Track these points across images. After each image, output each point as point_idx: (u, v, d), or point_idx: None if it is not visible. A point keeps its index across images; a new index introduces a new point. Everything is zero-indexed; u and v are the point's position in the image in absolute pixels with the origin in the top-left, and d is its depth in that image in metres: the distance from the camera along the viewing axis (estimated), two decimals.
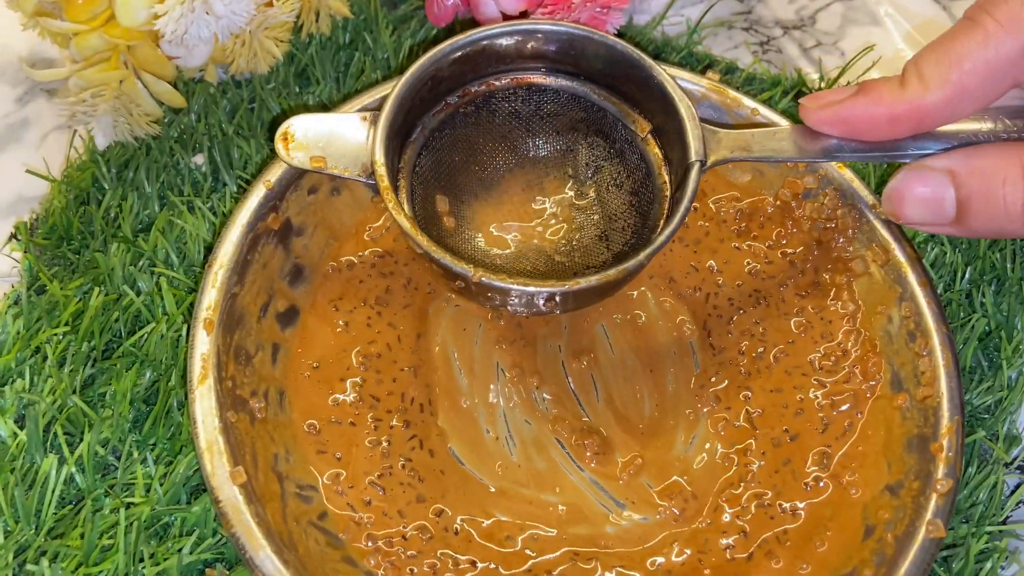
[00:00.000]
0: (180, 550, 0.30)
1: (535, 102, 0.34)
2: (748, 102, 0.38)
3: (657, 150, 0.33)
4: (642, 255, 0.30)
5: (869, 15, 0.50)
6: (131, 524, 0.31)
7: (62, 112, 0.38)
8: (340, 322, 0.35)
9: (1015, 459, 0.36)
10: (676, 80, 0.32)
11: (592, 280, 0.29)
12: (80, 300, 0.35)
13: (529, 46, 0.33)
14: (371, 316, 0.35)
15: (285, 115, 0.41)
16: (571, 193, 0.35)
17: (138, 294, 0.35)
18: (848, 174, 0.36)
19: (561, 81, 0.34)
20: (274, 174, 0.34)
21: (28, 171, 0.38)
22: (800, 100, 0.30)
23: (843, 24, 0.50)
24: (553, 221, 0.35)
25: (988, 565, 0.33)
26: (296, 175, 0.34)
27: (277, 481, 0.31)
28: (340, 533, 0.31)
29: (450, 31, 0.43)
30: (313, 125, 0.31)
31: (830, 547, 0.32)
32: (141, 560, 0.30)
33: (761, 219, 0.38)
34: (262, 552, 0.28)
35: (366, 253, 0.37)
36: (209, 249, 0.37)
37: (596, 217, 0.35)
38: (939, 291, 0.37)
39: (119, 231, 0.37)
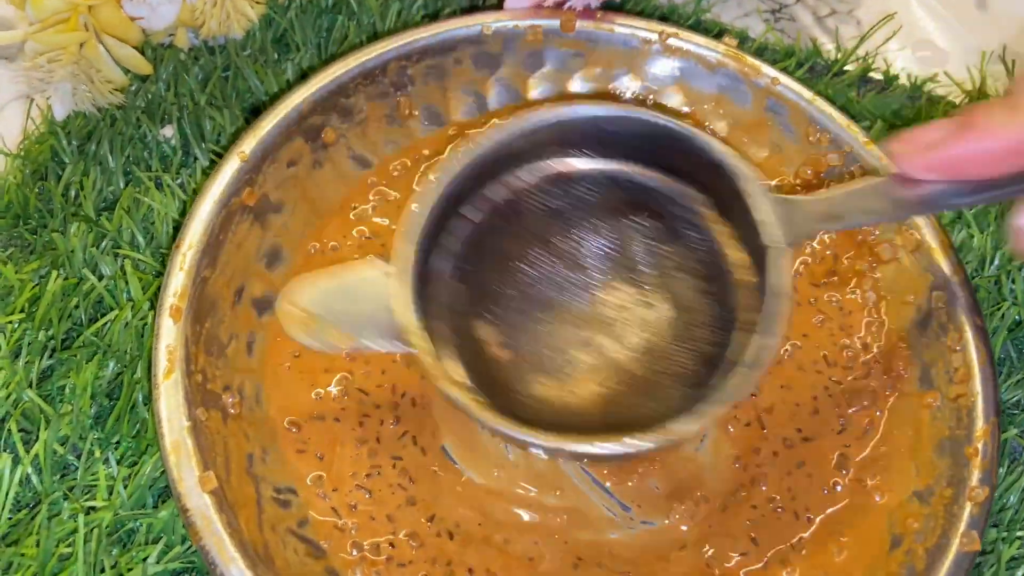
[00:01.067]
0: (145, 559, 0.28)
1: (572, 194, 0.30)
2: (768, 70, 0.35)
3: (723, 228, 0.29)
4: (730, 388, 0.25)
5: None
6: (92, 531, 0.28)
7: (19, 80, 0.35)
8: None
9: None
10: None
11: (691, 426, 0.25)
12: (37, 285, 0.32)
13: (553, 136, 0.28)
14: None
15: (262, 84, 0.38)
16: (635, 292, 0.31)
17: (100, 278, 0.32)
18: (876, 150, 0.33)
19: (597, 164, 0.29)
20: (249, 144, 0.31)
21: None
22: (890, 146, 0.26)
23: None
24: (620, 328, 0.30)
25: (1020, 572, 0.30)
26: (274, 145, 0.32)
27: (252, 485, 0.28)
28: (322, 541, 0.29)
29: None
30: (327, 293, 0.27)
31: (851, 556, 0.29)
32: (103, 571, 0.28)
33: None
34: (233, 567, 0.25)
35: (353, 233, 0.34)
36: (178, 229, 0.34)
37: (669, 315, 0.30)
38: None
39: (80, 209, 0.34)
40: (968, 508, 0.28)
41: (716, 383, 0.26)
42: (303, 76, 0.38)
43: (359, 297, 0.26)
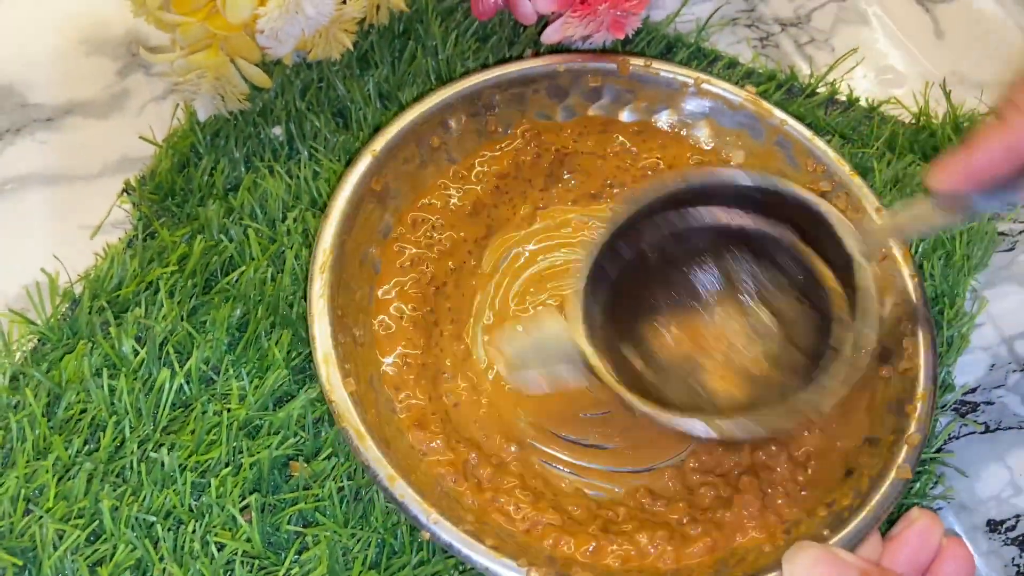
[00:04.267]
0: (269, 446, 0.38)
1: (691, 241, 0.38)
2: (779, 113, 0.45)
3: (810, 252, 0.36)
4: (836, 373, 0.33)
5: (859, 15, 0.56)
6: (231, 424, 0.39)
7: (161, 87, 0.45)
8: (407, 269, 0.42)
9: (948, 403, 0.43)
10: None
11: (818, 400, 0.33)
12: (184, 245, 0.43)
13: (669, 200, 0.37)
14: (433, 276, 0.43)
15: (348, 93, 0.48)
16: (747, 310, 0.39)
17: (231, 241, 0.43)
18: (858, 180, 0.42)
19: (710, 216, 0.37)
20: (379, 144, 0.41)
21: (141, 137, 0.46)
22: (927, 176, 0.34)
23: (835, 23, 0.56)
24: (740, 340, 0.38)
25: (917, 485, 0.40)
26: (396, 147, 0.42)
27: (374, 393, 0.38)
28: (417, 445, 0.38)
29: (491, 26, 0.50)
30: (524, 344, 0.37)
31: (812, 478, 0.38)
32: (240, 452, 0.38)
33: None
34: (365, 443, 0.35)
35: (438, 203, 0.44)
36: (287, 207, 0.44)
37: (776, 325, 0.38)
38: None
39: (214, 189, 0.44)
40: (905, 449, 0.37)
41: (824, 369, 0.34)
42: (381, 97, 0.48)
43: (548, 344, 0.36)
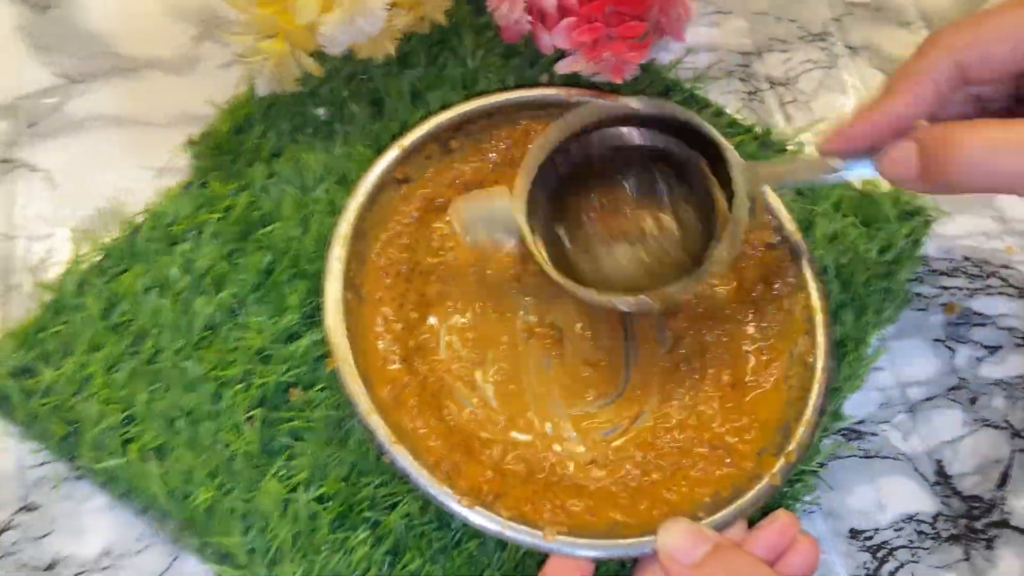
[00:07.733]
0: (276, 372, 0.47)
1: (623, 158, 0.47)
2: None
3: (713, 179, 0.46)
4: (697, 275, 0.44)
5: (840, 85, 0.64)
6: (248, 349, 0.47)
7: (227, 56, 0.54)
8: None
9: (835, 428, 0.52)
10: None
11: (670, 290, 0.44)
12: (231, 198, 0.51)
13: (617, 117, 0.47)
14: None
15: (386, 89, 0.56)
16: (657, 212, 0.48)
17: (268, 200, 0.51)
18: (799, 236, 0.50)
19: (643, 137, 0.47)
20: (408, 140, 0.49)
21: (206, 100, 0.54)
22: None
23: (818, 88, 0.64)
24: (646, 235, 0.48)
25: (795, 488, 0.49)
26: (422, 142, 0.50)
27: (376, 340, 0.46)
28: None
29: (516, 47, 0.58)
30: (477, 209, 0.46)
31: (702, 474, 0.46)
32: (252, 374, 0.47)
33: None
34: (354, 376, 0.43)
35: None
36: (319, 178, 0.52)
37: (677, 229, 0.48)
38: None
39: (260, 153, 0.53)
40: (782, 460, 0.45)
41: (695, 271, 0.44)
42: (413, 94, 0.56)
43: (496, 215, 0.46)
